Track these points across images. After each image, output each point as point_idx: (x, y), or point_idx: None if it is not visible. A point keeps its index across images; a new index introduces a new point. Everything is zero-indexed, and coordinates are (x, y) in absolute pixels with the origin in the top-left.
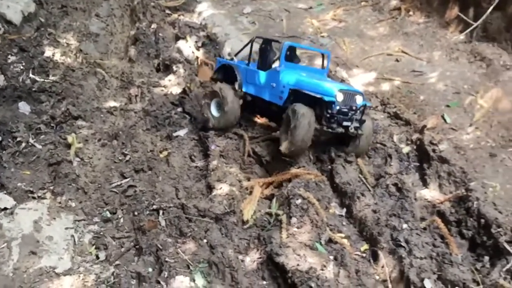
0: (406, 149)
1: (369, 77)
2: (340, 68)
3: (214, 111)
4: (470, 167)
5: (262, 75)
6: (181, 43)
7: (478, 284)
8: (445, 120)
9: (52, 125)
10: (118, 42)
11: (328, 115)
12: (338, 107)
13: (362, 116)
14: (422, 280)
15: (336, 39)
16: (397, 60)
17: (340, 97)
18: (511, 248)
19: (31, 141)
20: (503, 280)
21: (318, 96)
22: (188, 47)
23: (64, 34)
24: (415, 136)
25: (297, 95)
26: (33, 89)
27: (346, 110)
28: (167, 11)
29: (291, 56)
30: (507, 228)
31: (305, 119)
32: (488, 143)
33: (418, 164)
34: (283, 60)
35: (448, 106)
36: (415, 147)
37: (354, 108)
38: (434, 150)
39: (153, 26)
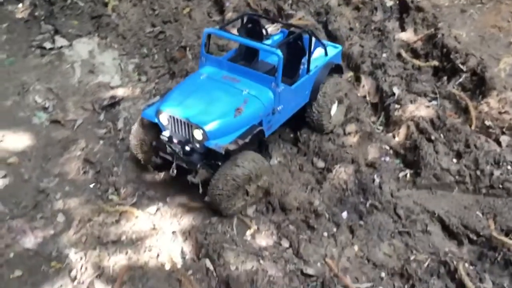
0: (390, 3)
1: None
2: None
3: None
4: (443, 18)
5: None
6: None
7: (435, 94)
8: None
9: None
10: None
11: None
12: (164, 133)
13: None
14: (392, 89)
15: None
16: None
17: (164, 119)
18: (464, 67)
19: None
20: (456, 90)
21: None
22: None
23: None
24: None
25: None
26: None
27: (166, 139)
28: None
29: (254, 29)
30: (463, 53)
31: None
32: (461, 1)
33: (398, 15)
34: (203, 52)
35: None
36: (397, 1)
37: (178, 141)
38: (412, 2)
39: None
